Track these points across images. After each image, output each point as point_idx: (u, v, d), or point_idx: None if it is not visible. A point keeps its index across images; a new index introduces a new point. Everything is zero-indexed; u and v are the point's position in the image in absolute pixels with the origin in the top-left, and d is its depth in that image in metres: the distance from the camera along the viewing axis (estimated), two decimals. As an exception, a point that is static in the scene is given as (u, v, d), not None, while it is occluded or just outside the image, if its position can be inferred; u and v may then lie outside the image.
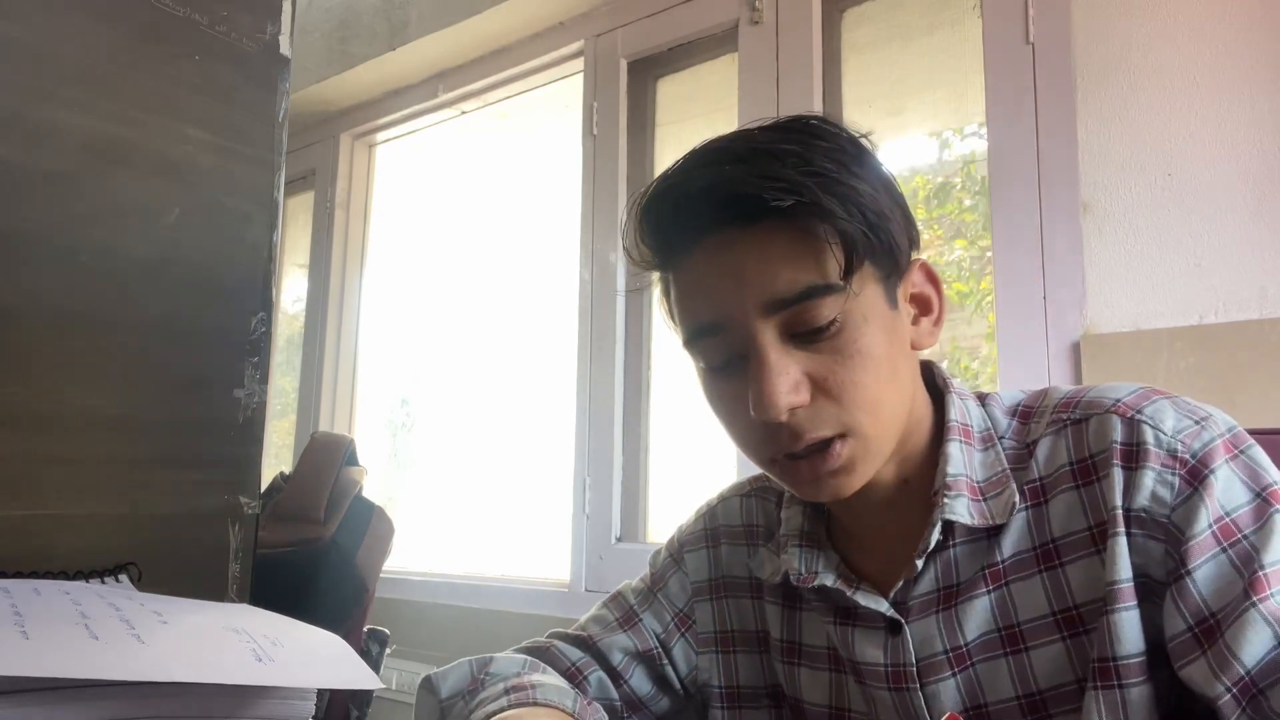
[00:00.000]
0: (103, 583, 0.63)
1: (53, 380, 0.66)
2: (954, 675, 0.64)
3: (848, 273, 0.59)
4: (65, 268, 0.67)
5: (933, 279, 0.68)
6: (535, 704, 0.63)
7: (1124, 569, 0.58)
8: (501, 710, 0.63)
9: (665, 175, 0.64)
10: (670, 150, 2.06)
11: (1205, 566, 0.56)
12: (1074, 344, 1.38)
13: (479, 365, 2.40)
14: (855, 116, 1.77)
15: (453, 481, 2.41)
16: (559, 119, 2.28)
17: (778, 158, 0.59)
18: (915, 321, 0.66)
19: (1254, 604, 0.53)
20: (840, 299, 0.59)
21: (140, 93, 0.71)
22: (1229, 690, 0.53)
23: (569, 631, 0.80)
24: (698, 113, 2.02)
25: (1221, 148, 1.31)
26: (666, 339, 2.00)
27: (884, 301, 0.63)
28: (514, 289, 2.36)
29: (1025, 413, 0.68)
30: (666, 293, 0.67)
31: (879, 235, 0.60)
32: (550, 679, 0.69)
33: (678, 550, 0.81)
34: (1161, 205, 1.34)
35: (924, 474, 0.67)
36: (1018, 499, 0.63)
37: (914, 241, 0.66)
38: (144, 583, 0.65)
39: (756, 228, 0.59)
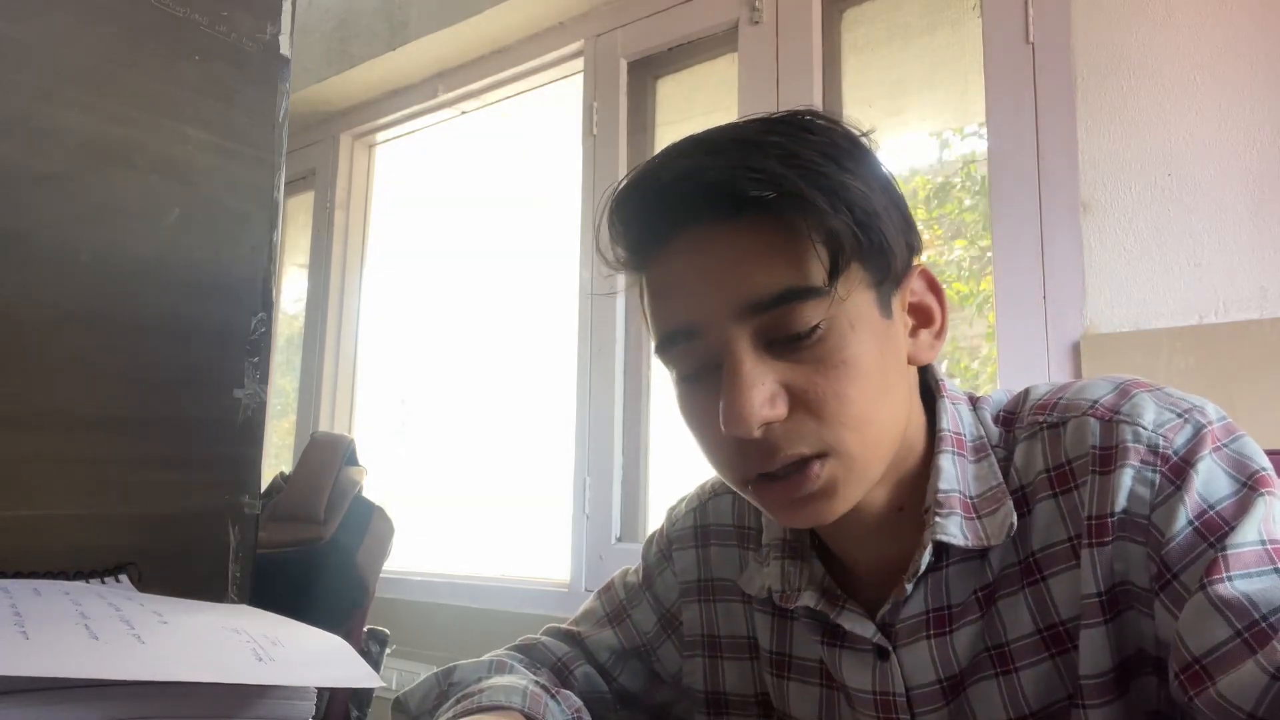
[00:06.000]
0: (103, 583, 0.63)
1: (52, 380, 0.66)
2: (947, 705, 0.60)
3: (833, 275, 0.54)
4: (65, 268, 0.66)
5: (934, 288, 0.62)
6: (480, 709, 0.61)
7: (1091, 583, 0.55)
8: None
9: (639, 167, 0.59)
10: (670, 150, 2.06)
11: (1194, 567, 0.51)
12: (1074, 344, 1.38)
13: (479, 365, 2.40)
14: (855, 116, 1.77)
15: (453, 481, 2.41)
16: (559, 119, 2.28)
17: (759, 148, 0.54)
18: (914, 333, 0.61)
19: (1203, 587, 0.50)
20: (824, 304, 0.54)
21: (140, 93, 0.71)
22: (1177, 677, 0.50)
23: (561, 626, 0.80)
24: (698, 113, 2.02)
25: (1221, 148, 1.31)
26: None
27: (875, 309, 0.57)
28: (514, 289, 2.35)
29: (1007, 419, 0.63)
30: (641, 296, 0.62)
31: (870, 235, 0.55)
32: (504, 680, 0.66)
33: (667, 546, 0.78)
34: (1161, 205, 1.34)
35: (918, 494, 0.61)
36: (1015, 518, 0.58)
37: (914, 247, 0.60)
38: (144, 583, 0.65)
39: (733, 223, 0.54)
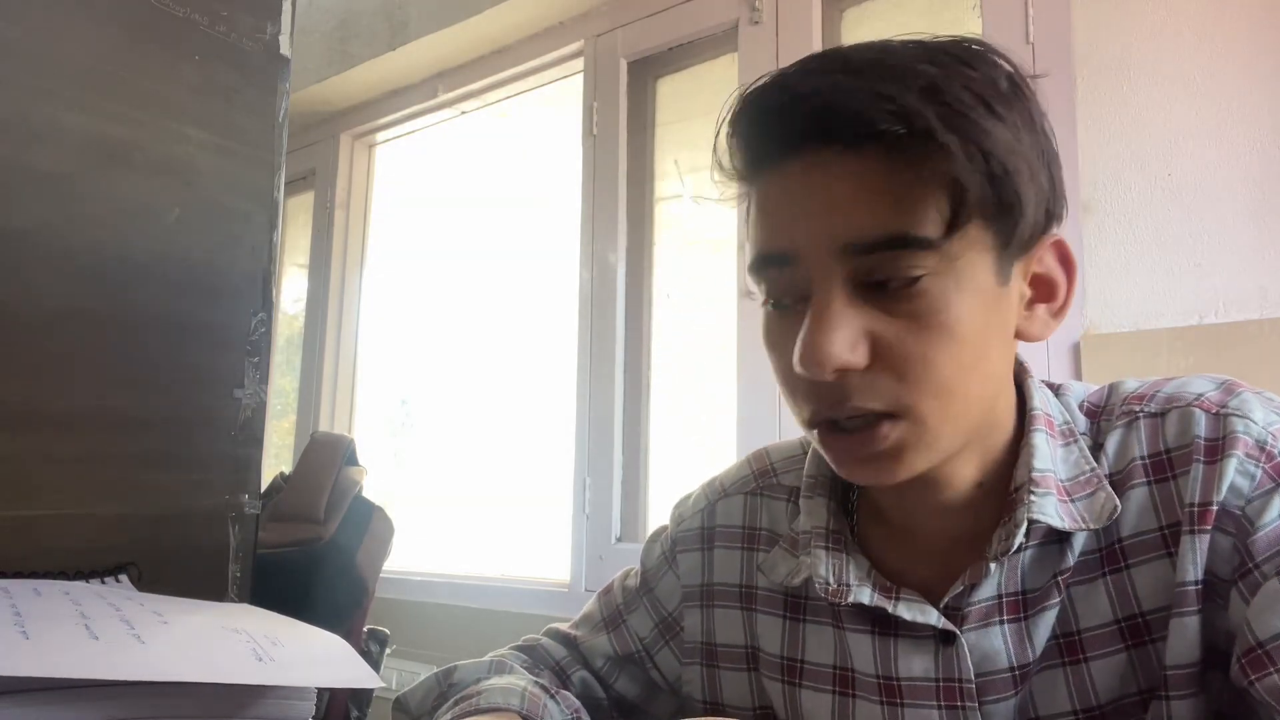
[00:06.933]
0: (103, 583, 0.63)
1: (52, 380, 0.66)
2: (1016, 694, 0.57)
3: (950, 229, 0.50)
4: (65, 268, 0.67)
5: (1067, 263, 0.58)
6: (478, 711, 0.61)
7: (1190, 570, 0.53)
8: None
9: (778, 72, 0.55)
10: (670, 150, 2.06)
11: (1277, 558, 0.51)
12: (1074, 344, 1.38)
13: (479, 365, 2.40)
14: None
15: (453, 481, 2.41)
16: (559, 119, 2.28)
17: (903, 76, 0.50)
18: (1029, 306, 0.57)
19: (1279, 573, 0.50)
20: (932, 257, 0.50)
21: (140, 93, 0.71)
22: (1238, 660, 0.50)
23: (561, 628, 0.79)
24: (698, 113, 2.02)
25: (1221, 147, 1.31)
26: (666, 339, 2.00)
27: (991, 274, 0.53)
28: (514, 289, 2.36)
29: (1093, 410, 0.61)
30: (748, 209, 0.58)
31: (1002, 193, 0.51)
32: (502, 680, 0.66)
33: (671, 549, 0.75)
34: (1161, 205, 1.34)
35: (1001, 474, 0.59)
36: (1118, 503, 0.56)
37: (1054, 214, 0.56)
38: (144, 583, 0.65)
39: (854, 153, 0.51)
